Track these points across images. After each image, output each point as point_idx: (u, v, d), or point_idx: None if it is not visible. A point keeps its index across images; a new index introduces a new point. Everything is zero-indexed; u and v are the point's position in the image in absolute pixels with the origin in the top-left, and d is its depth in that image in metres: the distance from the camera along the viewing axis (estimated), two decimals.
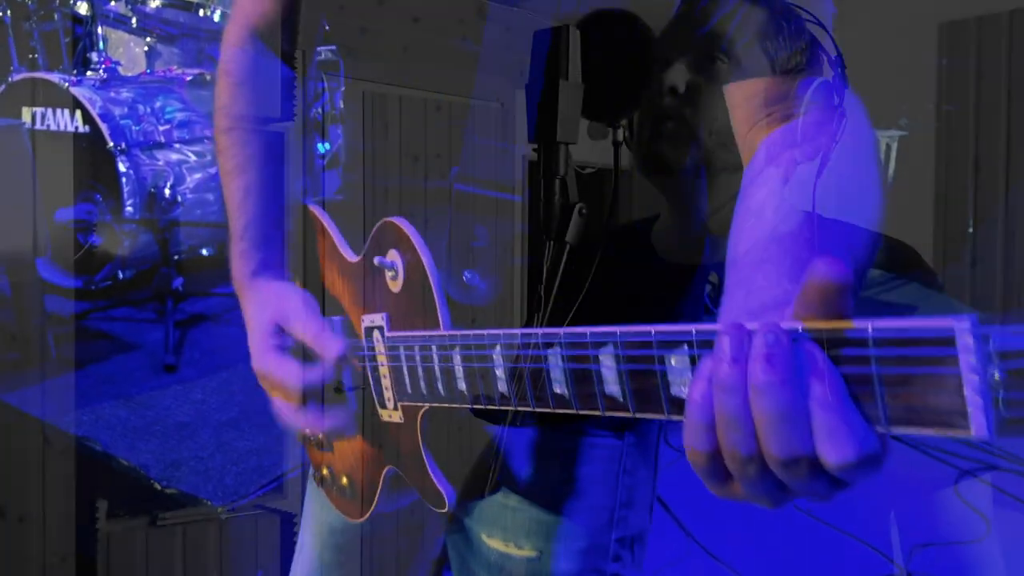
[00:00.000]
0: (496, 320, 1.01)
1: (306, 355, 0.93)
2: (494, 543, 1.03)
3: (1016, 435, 0.41)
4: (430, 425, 0.88)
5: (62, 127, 2.41)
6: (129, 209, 2.58)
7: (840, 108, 0.79)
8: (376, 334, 0.92)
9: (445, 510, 0.87)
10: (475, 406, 0.76)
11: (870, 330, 0.46)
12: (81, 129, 2.43)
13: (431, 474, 0.87)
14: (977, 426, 0.43)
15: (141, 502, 2.66)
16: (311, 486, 1.12)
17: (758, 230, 0.71)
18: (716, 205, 0.84)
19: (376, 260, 0.96)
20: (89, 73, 2.65)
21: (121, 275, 2.56)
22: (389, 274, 0.94)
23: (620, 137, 0.90)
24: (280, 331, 0.93)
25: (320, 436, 1.04)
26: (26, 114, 2.36)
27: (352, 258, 1.01)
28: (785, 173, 0.74)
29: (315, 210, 1.06)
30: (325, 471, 1.04)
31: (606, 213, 0.89)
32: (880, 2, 3.61)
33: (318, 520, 1.15)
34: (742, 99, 0.83)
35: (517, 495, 1.00)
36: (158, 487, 2.59)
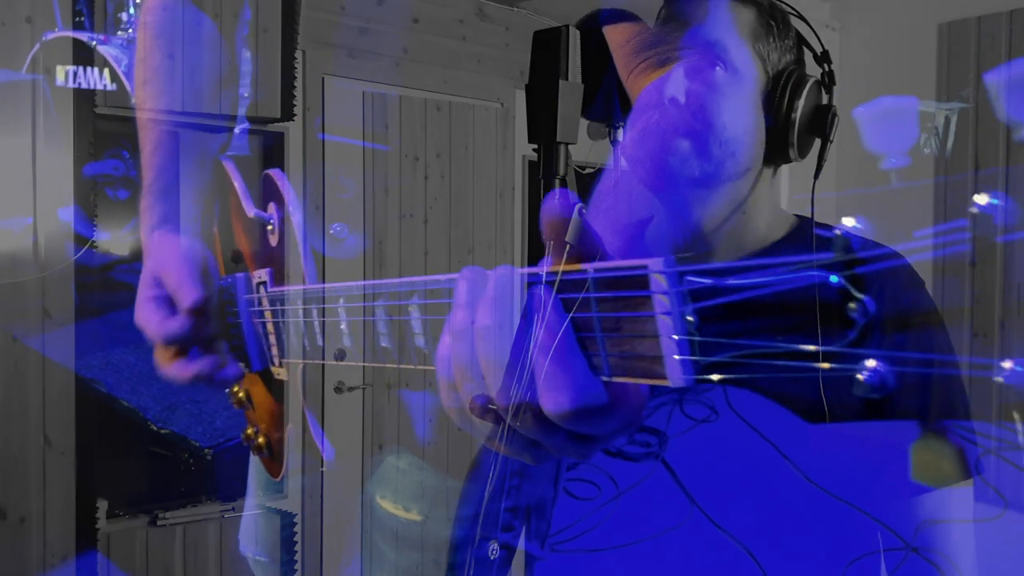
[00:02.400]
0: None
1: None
2: (385, 504, 1.04)
3: (711, 380, 0.40)
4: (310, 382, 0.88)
5: (92, 85, 2.47)
6: None
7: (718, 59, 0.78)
8: (262, 289, 0.92)
9: (323, 468, 0.87)
10: (334, 362, 0.75)
11: (591, 272, 0.44)
12: (109, 87, 2.49)
13: (312, 432, 0.88)
14: (672, 373, 0.40)
15: (141, 502, 2.66)
16: None
17: (610, 180, 0.71)
18: (715, 211, 0.84)
19: (253, 213, 0.95)
20: (119, 33, 2.70)
21: None
22: (268, 228, 0.94)
23: (620, 137, 0.90)
24: (158, 283, 0.91)
25: (240, 395, 1.05)
26: (60, 72, 2.42)
27: (251, 213, 1.01)
28: (645, 124, 0.74)
29: (226, 165, 1.06)
30: (250, 430, 1.05)
31: None
32: (880, 2, 3.62)
33: (258, 468, 1.16)
34: (617, 44, 0.82)
35: (408, 458, 1.00)
36: (153, 427, 2.66)
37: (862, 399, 0.35)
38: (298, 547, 2.93)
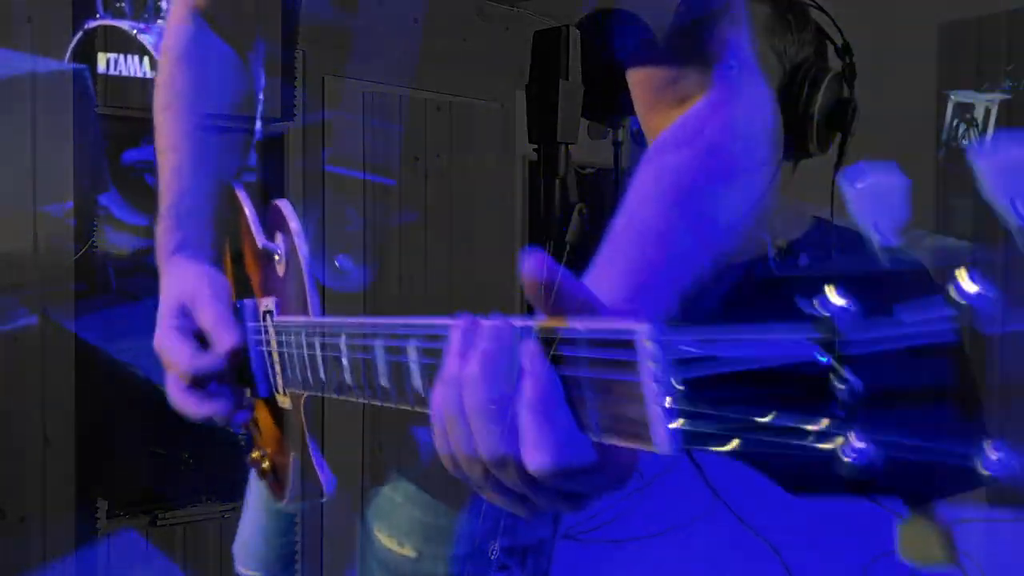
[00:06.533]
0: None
1: (206, 341, 0.92)
2: (381, 537, 1.04)
3: (701, 448, 0.38)
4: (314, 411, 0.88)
5: (132, 73, 2.46)
6: None
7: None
8: (268, 318, 0.93)
9: (323, 500, 0.88)
10: (328, 395, 0.75)
11: (582, 330, 0.43)
12: (148, 75, 2.46)
13: (313, 461, 0.88)
14: (658, 439, 0.39)
15: (141, 502, 2.66)
16: None
17: (624, 218, 0.70)
18: (735, 208, 0.83)
19: (261, 244, 0.96)
20: (159, 21, 2.68)
21: None
22: (276, 258, 0.94)
23: (620, 137, 0.90)
24: (185, 313, 0.91)
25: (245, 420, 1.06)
26: (101, 60, 2.41)
27: (261, 244, 1.02)
28: (660, 167, 0.73)
29: (238, 192, 1.06)
30: (257, 453, 1.06)
31: (606, 213, 0.89)
32: (880, 2, 3.61)
33: (259, 485, 1.17)
34: (635, 84, 0.82)
35: (404, 492, 0.99)
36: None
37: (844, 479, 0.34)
38: (298, 546, 2.93)
